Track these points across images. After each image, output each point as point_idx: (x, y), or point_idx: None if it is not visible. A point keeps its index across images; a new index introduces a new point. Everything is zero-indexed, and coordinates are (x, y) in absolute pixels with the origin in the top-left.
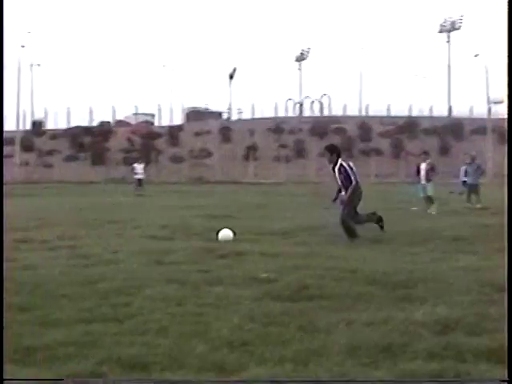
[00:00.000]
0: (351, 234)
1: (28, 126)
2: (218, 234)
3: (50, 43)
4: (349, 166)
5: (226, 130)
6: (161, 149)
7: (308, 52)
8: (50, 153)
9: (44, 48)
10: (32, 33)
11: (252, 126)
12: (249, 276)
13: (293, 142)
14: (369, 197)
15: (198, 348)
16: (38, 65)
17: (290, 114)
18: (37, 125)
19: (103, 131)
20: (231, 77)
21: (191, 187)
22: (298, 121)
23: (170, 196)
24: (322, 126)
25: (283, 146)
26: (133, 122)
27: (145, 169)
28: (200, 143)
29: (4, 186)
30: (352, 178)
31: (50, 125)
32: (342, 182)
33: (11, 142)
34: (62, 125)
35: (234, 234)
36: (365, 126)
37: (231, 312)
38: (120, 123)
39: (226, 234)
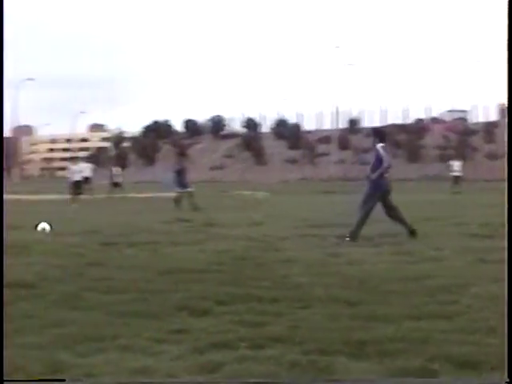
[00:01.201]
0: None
1: (345, 125)
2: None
3: (365, 42)
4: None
5: None
6: (476, 146)
7: None
8: (366, 151)
9: (359, 48)
10: (347, 33)
11: None
12: None
13: None
14: None
15: None
16: (353, 64)
17: None
18: (353, 123)
19: (418, 129)
20: None
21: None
22: None
23: (487, 193)
24: None
25: None
26: (447, 119)
27: (462, 166)
28: None
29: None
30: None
31: (366, 123)
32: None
33: (328, 140)
34: (378, 123)
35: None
36: None
37: None
38: (435, 121)
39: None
